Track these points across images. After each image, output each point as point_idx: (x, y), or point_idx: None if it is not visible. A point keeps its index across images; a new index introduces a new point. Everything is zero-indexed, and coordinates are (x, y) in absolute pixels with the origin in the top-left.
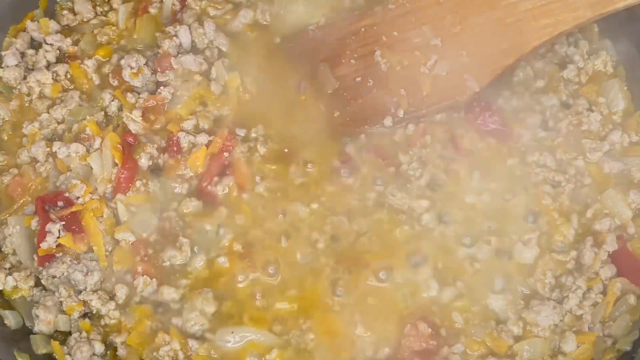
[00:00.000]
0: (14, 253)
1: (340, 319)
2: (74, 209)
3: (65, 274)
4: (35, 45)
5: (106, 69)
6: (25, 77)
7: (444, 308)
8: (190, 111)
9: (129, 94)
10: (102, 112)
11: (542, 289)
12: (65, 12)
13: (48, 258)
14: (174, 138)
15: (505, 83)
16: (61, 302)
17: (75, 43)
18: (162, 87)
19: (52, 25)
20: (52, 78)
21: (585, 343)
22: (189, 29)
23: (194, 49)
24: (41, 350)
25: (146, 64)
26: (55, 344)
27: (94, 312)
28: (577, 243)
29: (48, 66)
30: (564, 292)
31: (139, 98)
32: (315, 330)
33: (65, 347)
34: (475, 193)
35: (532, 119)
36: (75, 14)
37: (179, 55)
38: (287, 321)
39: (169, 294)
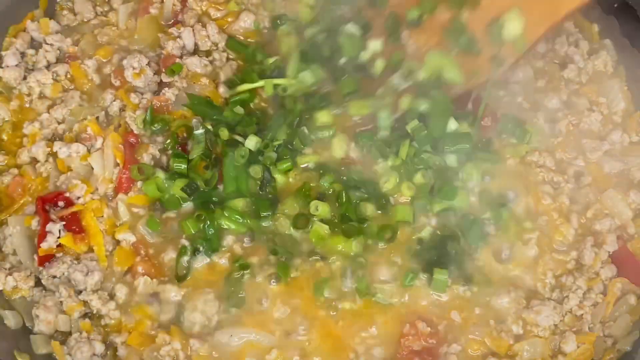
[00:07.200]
0: (14, 253)
1: (340, 319)
2: (74, 209)
3: (66, 274)
4: (35, 45)
5: (107, 69)
6: (25, 77)
7: (443, 307)
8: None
9: (132, 94)
10: (103, 112)
11: (542, 289)
12: (65, 12)
13: (48, 258)
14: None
15: (505, 83)
16: (61, 302)
17: (76, 43)
18: (166, 88)
19: (52, 25)
20: (52, 78)
21: (586, 343)
22: (193, 30)
23: (196, 51)
24: (41, 350)
25: (148, 64)
26: (55, 344)
27: (94, 312)
28: (577, 243)
29: (48, 66)
30: (564, 292)
31: (142, 98)
32: (315, 330)
33: (65, 347)
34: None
35: (532, 119)
36: (75, 14)
37: (184, 57)
38: (287, 322)
39: (170, 294)
